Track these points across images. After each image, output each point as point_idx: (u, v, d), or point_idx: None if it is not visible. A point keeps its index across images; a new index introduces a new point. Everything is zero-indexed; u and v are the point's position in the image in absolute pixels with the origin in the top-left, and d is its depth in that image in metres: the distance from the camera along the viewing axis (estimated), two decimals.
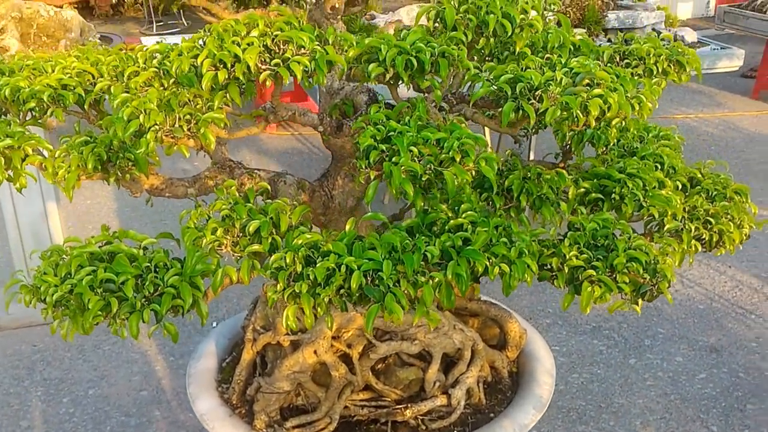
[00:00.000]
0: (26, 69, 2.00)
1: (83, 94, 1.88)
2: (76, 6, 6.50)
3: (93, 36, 3.83)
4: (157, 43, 1.91)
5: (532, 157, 4.73)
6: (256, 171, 2.14)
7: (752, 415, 3.17)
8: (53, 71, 1.93)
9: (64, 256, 1.59)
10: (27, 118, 1.96)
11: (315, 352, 2.22)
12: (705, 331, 3.75)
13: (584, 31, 4.58)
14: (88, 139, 1.80)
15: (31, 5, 3.75)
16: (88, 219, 5.13)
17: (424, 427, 2.32)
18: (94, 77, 1.93)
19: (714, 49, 5.01)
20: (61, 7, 4.12)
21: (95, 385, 3.46)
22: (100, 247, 1.57)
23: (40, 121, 1.94)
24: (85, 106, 1.92)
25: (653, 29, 4.84)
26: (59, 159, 1.77)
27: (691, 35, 4.93)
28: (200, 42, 1.70)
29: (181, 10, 10.04)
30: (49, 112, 1.88)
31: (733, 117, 6.60)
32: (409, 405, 2.32)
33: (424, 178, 1.47)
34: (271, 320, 2.39)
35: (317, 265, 1.42)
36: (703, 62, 4.79)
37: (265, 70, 1.58)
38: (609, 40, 2.29)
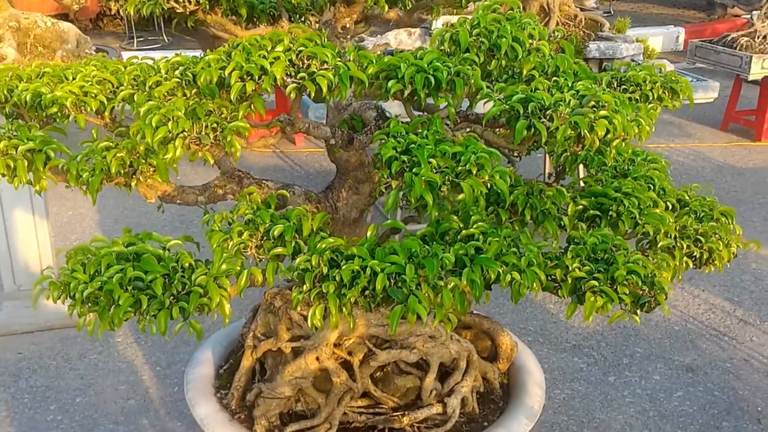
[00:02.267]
0: (45, 76, 2.06)
1: (105, 102, 1.94)
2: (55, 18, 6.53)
3: (89, 48, 3.88)
4: (177, 54, 1.98)
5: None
6: (264, 181, 2.21)
7: (727, 431, 3.29)
8: (74, 79, 1.99)
9: (89, 255, 1.64)
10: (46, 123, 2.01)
11: (317, 358, 2.29)
12: (681, 351, 3.88)
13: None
14: (110, 144, 1.86)
15: (29, 15, 3.79)
16: (71, 230, 5.13)
17: None
18: (114, 86, 2.00)
19: (691, 80, 5.20)
20: (57, 17, 4.16)
21: (82, 393, 3.47)
22: (125, 247, 1.62)
23: (59, 126, 1.99)
24: (106, 114, 1.98)
25: (632, 60, 5.02)
26: (82, 162, 1.82)
27: (669, 66, 5.12)
28: (225, 55, 1.78)
29: (162, 26, 10.08)
30: (70, 118, 1.94)
31: (703, 148, 6.82)
32: (406, 412, 2.39)
33: (442, 189, 1.56)
34: (272, 327, 2.45)
35: (342, 267, 1.50)
36: None
37: (291, 83, 1.66)
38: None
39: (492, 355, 2.70)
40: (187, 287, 1.55)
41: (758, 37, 6.47)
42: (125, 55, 7.42)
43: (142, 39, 10.02)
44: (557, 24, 4.96)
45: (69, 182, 1.84)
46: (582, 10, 6.24)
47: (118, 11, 10.34)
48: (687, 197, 2.38)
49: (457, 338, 2.48)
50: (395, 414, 2.39)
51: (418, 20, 2.60)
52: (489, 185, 1.67)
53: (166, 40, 10.16)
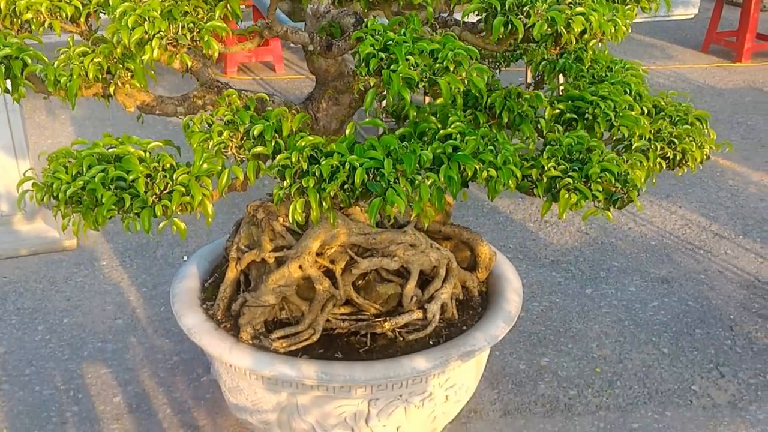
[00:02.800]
0: None
1: (80, 7, 1.92)
2: None
3: None
4: None
5: None
6: (243, 91, 2.21)
7: (700, 339, 3.39)
8: None
9: (71, 159, 1.66)
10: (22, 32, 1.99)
11: (300, 266, 2.33)
12: (656, 264, 3.97)
13: None
14: (87, 50, 1.85)
15: None
16: None
17: (401, 339, 2.45)
18: None
19: None
20: None
21: (69, 314, 3.52)
22: (107, 149, 1.64)
23: (35, 34, 1.97)
24: (81, 20, 1.96)
25: None
26: (59, 68, 1.81)
27: None
28: None
29: None
30: (45, 24, 1.92)
31: (683, 69, 6.83)
32: (387, 318, 2.45)
33: (420, 86, 1.57)
34: (255, 239, 2.48)
35: (322, 162, 1.52)
36: (660, 9, 4.95)
37: None
38: None
39: (471, 264, 2.75)
40: (169, 186, 1.57)
41: None
42: None
43: None
44: None
45: (47, 89, 1.83)
46: None
47: None
48: (663, 103, 2.41)
49: (437, 247, 2.52)
50: (377, 320, 2.45)
51: None
52: (467, 83, 1.68)
53: None
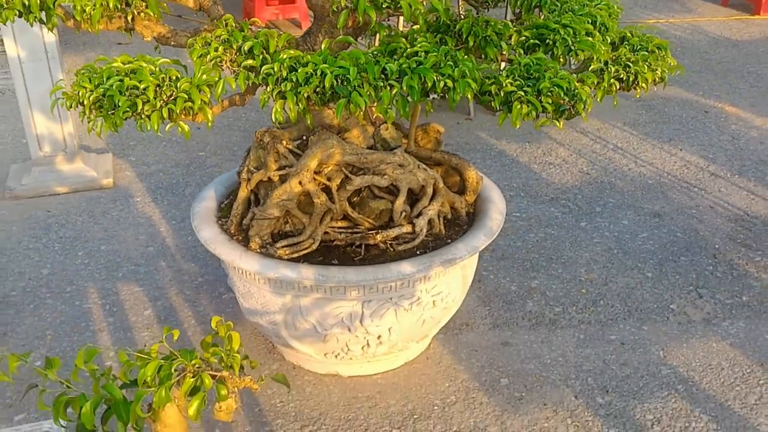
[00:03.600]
0: None
1: None
2: None
3: None
4: None
5: None
6: (245, 21, 2.50)
7: (684, 265, 3.63)
8: None
9: (94, 73, 1.98)
10: None
11: (300, 182, 2.64)
12: (651, 200, 4.19)
13: None
14: None
15: None
16: None
17: (392, 250, 2.75)
18: None
19: None
20: None
21: (106, 242, 3.89)
22: (124, 64, 1.95)
23: None
24: None
25: None
26: (85, 0, 2.12)
27: None
28: None
29: None
30: None
31: (702, 22, 6.93)
32: (379, 231, 2.75)
33: (384, 6, 1.85)
34: (262, 161, 2.79)
35: (299, 71, 1.81)
36: None
37: None
38: None
39: (461, 188, 3.03)
40: (174, 94, 1.88)
41: None
42: None
43: None
44: None
45: (75, 17, 2.15)
46: None
47: None
48: (630, 35, 2.64)
49: (424, 167, 2.81)
50: (370, 232, 2.75)
51: None
52: (435, 16, 1.95)
53: None
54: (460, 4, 4.90)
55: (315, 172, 2.67)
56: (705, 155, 4.67)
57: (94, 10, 2.06)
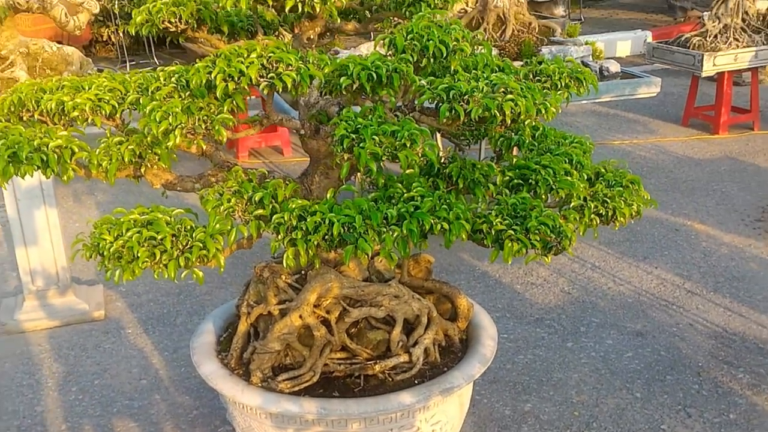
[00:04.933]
0: (65, 88, 2.52)
1: (116, 106, 2.40)
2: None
3: (91, 69, 4.35)
4: (174, 64, 2.45)
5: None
6: (249, 169, 2.67)
7: (671, 383, 3.73)
8: (90, 88, 2.45)
9: (112, 225, 2.10)
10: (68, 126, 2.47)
11: (300, 316, 2.73)
12: (632, 319, 4.33)
13: (521, 63, 5.22)
14: (122, 139, 2.32)
15: (36, 41, 4.26)
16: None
17: (390, 380, 2.82)
18: (122, 93, 2.46)
19: (638, 78, 5.69)
20: (61, 42, 4.65)
21: (99, 376, 3.90)
22: (140, 216, 2.08)
23: (79, 128, 2.45)
24: (117, 116, 2.44)
25: (581, 61, 5.49)
26: (101, 154, 2.28)
27: (615, 66, 5.59)
28: (210, 62, 2.24)
29: (152, 50, 10.57)
30: (89, 120, 2.40)
31: (664, 142, 7.30)
32: (377, 361, 2.83)
33: (383, 159, 2.02)
34: (262, 295, 2.90)
35: (308, 220, 1.95)
36: (624, 89, 5.46)
37: (263, 81, 2.13)
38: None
39: (452, 315, 3.15)
40: (189, 243, 2.00)
41: (709, 37, 6.97)
42: None
43: (133, 63, 10.51)
44: (513, 32, 5.46)
45: (90, 171, 2.30)
46: (546, 18, 6.76)
47: (109, 37, 10.86)
48: (603, 170, 2.84)
49: (418, 297, 2.93)
50: (368, 363, 2.84)
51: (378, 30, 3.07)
52: (422, 156, 2.13)
53: (157, 63, 10.64)
54: (439, 140, 5.17)
55: (314, 306, 2.77)
56: (680, 273, 4.85)
57: (110, 164, 2.21)
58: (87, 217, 5.91)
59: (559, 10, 10.02)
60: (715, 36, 6.93)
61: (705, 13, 7.24)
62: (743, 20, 6.96)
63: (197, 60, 2.33)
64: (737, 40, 6.89)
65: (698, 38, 6.95)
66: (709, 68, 6.80)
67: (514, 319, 4.36)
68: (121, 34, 9.08)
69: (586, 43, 5.66)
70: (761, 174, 6.41)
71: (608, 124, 7.84)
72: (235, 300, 3.27)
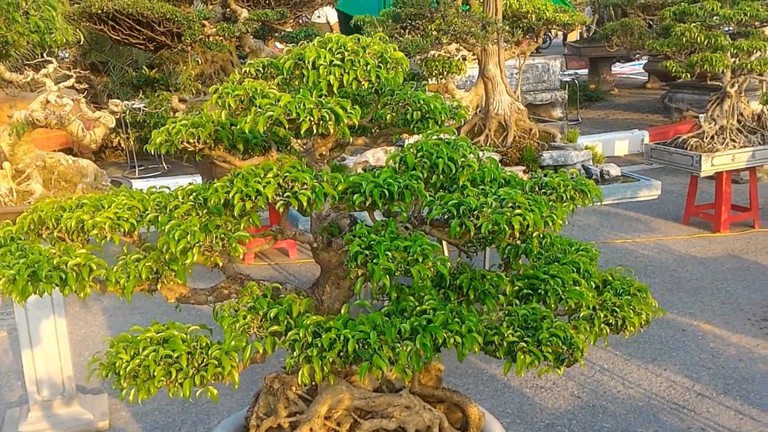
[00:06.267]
0: (85, 206, 2.59)
1: (135, 224, 2.46)
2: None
3: (105, 180, 4.45)
4: (190, 184, 2.53)
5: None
6: (261, 281, 2.71)
7: None
8: (109, 207, 2.52)
9: (128, 342, 2.12)
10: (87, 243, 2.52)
11: (311, 429, 2.71)
12: (644, 423, 4.27)
13: (523, 168, 5.34)
14: (140, 256, 2.37)
15: (53, 155, 4.39)
16: (84, 346, 5.56)
17: None
18: (140, 210, 2.53)
19: (639, 180, 5.80)
20: (72, 149, 4.76)
21: None
22: (156, 333, 2.11)
23: (97, 245, 2.51)
24: (135, 233, 2.50)
25: (582, 165, 5.63)
26: (119, 272, 2.32)
27: (615, 170, 5.73)
28: (228, 182, 2.31)
29: (161, 156, 10.80)
30: (108, 238, 2.46)
31: (666, 240, 7.37)
32: None
33: (396, 274, 2.06)
34: (272, 407, 2.88)
35: (323, 336, 1.98)
36: (626, 192, 5.56)
37: (279, 200, 2.19)
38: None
39: (463, 425, 3.12)
40: (205, 360, 2.02)
41: (706, 138, 7.14)
42: (134, 183, 8.05)
43: (143, 167, 10.72)
44: (514, 137, 5.62)
45: (107, 288, 2.34)
46: (545, 122, 6.94)
47: (119, 143, 11.13)
48: (611, 278, 2.88)
49: (429, 408, 2.91)
50: None
51: (389, 141, 3.17)
52: (435, 271, 2.17)
53: (166, 168, 10.86)
54: (445, 247, 5.24)
55: (325, 418, 2.76)
56: (689, 375, 4.82)
57: (128, 281, 2.25)
58: (93, 323, 5.92)
59: (557, 112, 10.32)
60: (712, 137, 7.11)
61: (701, 114, 7.44)
62: (739, 121, 7.15)
63: (209, 166, 2.41)
64: (734, 140, 7.06)
65: (695, 139, 7.11)
66: (707, 168, 6.93)
67: (524, 425, 4.30)
68: (131, 141, 9.33)
69: (586, 148, 5.81)
70: (765, 272, 6.44)
71: (610, 223, 7.93)
72: (243, 410, 3.25)
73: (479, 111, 5.92)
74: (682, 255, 6.96)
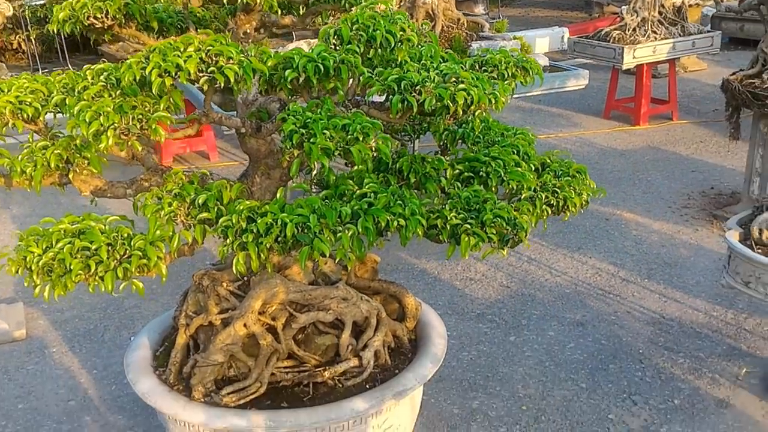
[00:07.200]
0: None
1: (39, 108, 2.21)
2: None
3: (4, 75, 4.08)
4: (102, 62, 2.28)
5: None
6: (185, 171, 2.51)
7: (614, 372, 3.74)
8: (9, 90, 2.25)
9: (39, 236, 1.92)
10: None
11: (245, 324, 2.60)
12: (572, 309, 4.34)
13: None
14: (48, 144, 2.14)
15: None
16: None
17: (340, 386, 2.72)
18: (45, 94, 2.27)
19: (566, 70, 5.75)
20: None
21: (23, 400, 3.65)
22: (71, 225, 1.91)
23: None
24: (40, 120, 2.25)
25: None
26: (24, 160, 2.09)
27: (543, 60, 5.64)
28: (144, 57, 2.08)
29: (66, 56, 10.14)
30: (9, 125, 2.20)
31: (588, 134, 7.42)
32: (326, 368, 2.72)
33: (336, 154, 1.91)
34: (202, 305, 2.74)
35: (258, 221, 1.83)
36: (554, 82, 5.50)
37: (203, 76, 1.99)
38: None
39: (400, 315, 3.06)
40: (128, 252, 1.84)
41: (628, 30, 7.12)
42: None
43: (46, 70, 10.04)
44: (442, 28, 5.43)
45: (12, 179, 2.11)
46: (469, 15, 6.76)
47: (20, 45, 10.36)
48: (549, 160, 2.81)
49: (366, 299, 2.83)
50: (317, 370, 2.72)
51: (313, 30, 2.95)
52: (375, 151, 2.03)
53: (71, 69, 10.20)
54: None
55: (259, 313, 2.64)
56: (614, 261, 4.90)
57: (35, 170, 2.03)
58: (2, 232, 5.58)
59: (479, 9, 10.12)
60: (634, 29, 7.08)
61: (623, 7, 7.39)
62: (660, 13, 7.13)
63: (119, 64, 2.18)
64: (655, 32, 7.06)
65: (618, 32, 7.08)
66: (629, 60, 6.93)
67: (456, 316, 4.31)
68: (32, 41, 8.65)
69: (514, 38, 5.68)
70: (683, 162, 6.58)
71: (533, 119, 7.92)
72: (170, 311, 3.10)
73: (406, 0, 5.69)
74: (604, 148, 7.02)
